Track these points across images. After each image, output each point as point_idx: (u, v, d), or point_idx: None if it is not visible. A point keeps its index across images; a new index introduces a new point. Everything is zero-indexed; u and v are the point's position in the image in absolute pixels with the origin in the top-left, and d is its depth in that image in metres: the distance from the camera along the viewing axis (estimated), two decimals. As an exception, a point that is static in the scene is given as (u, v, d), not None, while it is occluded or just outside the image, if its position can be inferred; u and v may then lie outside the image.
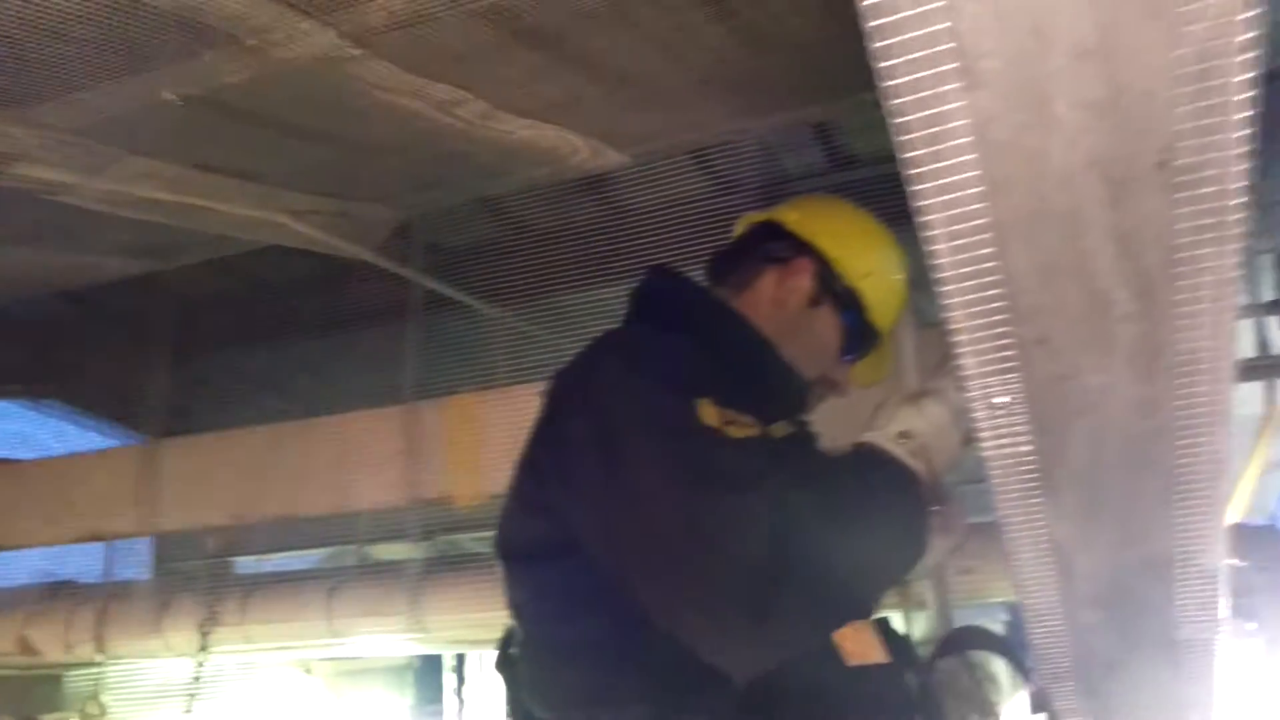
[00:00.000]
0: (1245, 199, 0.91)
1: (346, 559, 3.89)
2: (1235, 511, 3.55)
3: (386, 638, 3.12)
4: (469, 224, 3.66)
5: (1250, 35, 0.77)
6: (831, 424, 1.67)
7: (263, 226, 2.96)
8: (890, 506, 1.32)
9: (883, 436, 1.35)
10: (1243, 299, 3.77)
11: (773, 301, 1.61)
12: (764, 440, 1.38)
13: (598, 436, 1.33)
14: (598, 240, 3.59)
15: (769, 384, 1.55)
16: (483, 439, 2.88)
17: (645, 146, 2.92)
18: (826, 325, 1.63)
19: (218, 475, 3.58)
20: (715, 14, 2.17)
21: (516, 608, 1.50)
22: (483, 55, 2.19)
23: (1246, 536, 2.16)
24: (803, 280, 1.62)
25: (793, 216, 1.69)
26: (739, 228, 1.76)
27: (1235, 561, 2.30)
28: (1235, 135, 0.84)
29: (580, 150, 2.84)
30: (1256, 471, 3.38)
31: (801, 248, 1.64)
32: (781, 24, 2.16)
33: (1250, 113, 0.83)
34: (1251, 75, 0.81)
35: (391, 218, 3.23)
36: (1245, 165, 0.87)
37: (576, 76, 2.43)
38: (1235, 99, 0.81)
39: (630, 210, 3.65)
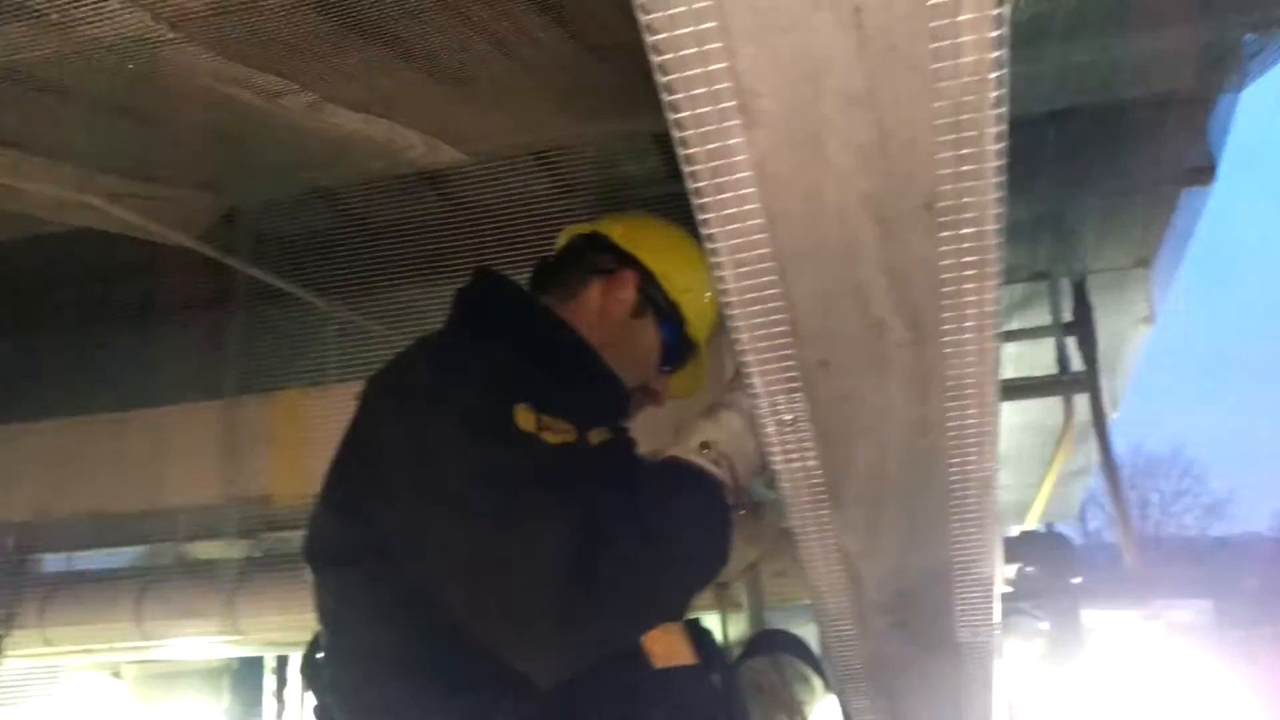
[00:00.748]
0: (1001, 239, 0.98)
1: (164, 557, 3.71)
2: (1034, 517, 3.81)
3: (201, 640, 3.00)
4: (302, 214, 3.54)
5: (1000, 92, 0.84)
6: (650, 438, 1.71)
7: (75, 209, 2.79)
8: (695, 512, 1.36)
9: (684, 449, 1.39)
10: (1045, 320, 4.04)
11: (598, 311, 1.64)
12: (580, 447, 1.40)
13: (410, 440, 1.32)
14: (437, 236, 3.55)
15: (591, 388, 1.58)
16: (307, 437, 2.80)
17: (483, 145, 2.89)
18: (647, 337, 1.68)
19: (19, 468, 3.36)
20: (551, 19, 2.17)
21: (323, 613, 1.48)
22: (311, 46, 2.13)
23: (1034, 543, 2.32)
24: (627, 292, 1.66)
25: (618, 230, 1.73)
26: (562, 239, 1.78)
27: (1025, 567, 2.47)
28: (991, 181, 0.90)
29: (416, 146, 2.79)
30: (1053, 479, 3.63)
31: (626, 260, 1.68)
32: (615, 34, 2.18)
33: (1002, 162, 0.90)
34: (1003, 128, 0.87)
35: (218, 205, 3.10)
36: (1001, 208, 0.94)
37: (411, 72, 2.39)
38: (990, 148, 0.87)
39: (471, 207, 3.61)
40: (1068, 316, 3.34)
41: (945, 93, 0.82)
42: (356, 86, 2.39)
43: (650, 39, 0.80)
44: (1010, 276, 4.20)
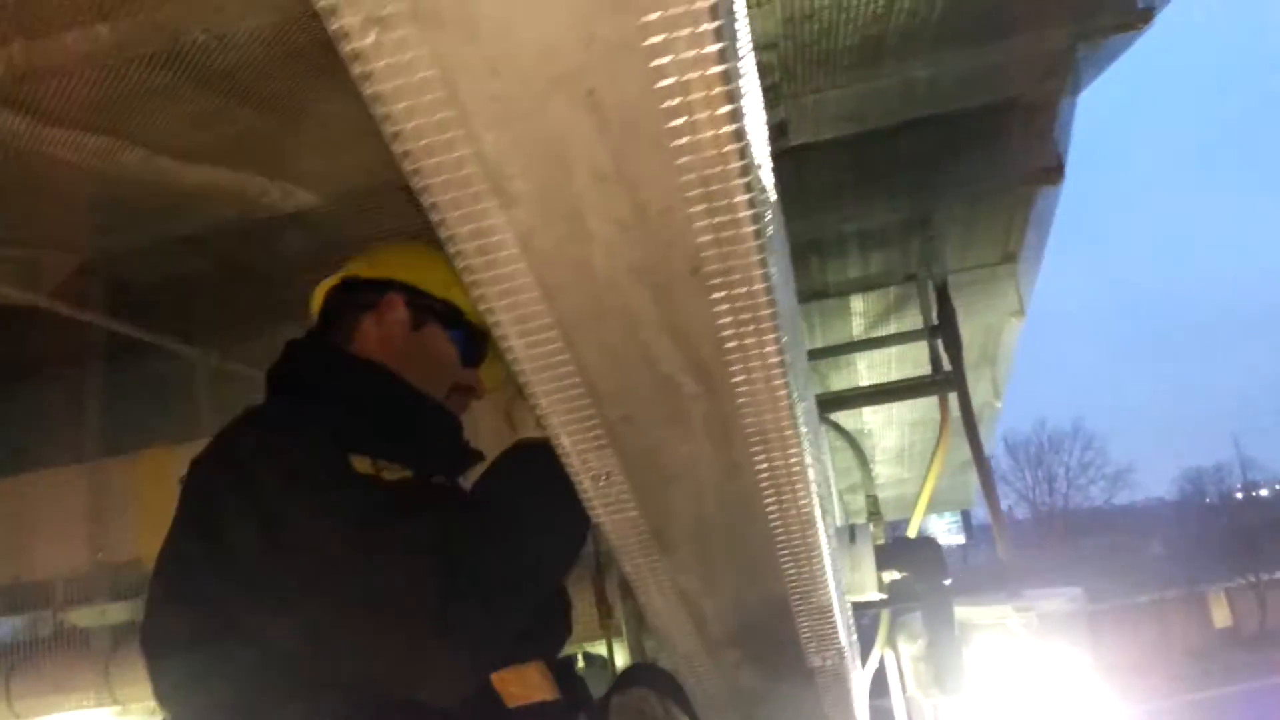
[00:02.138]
0: (775, 296, 1.01)
1: (41, 628, 3.57)
2: (920, 510, 3.90)
3: (79, 715, 2.88)
4: (164, 261, 3.44)
5: (744, 162, 0.86)
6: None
7: (-94, 274, 2.68)
8: (534, 483, 1.38)
9: (526, 430, 1.43)
10: (915, 324, 4.16)
11: (380, 341, 1.66)
12: (420, 481, 1.42)
13: (250, 508, 1.30)
14: (309, 274, 3.47)
15: (420, 423, 1.60)
16: (176, 495, 2.72)
17: (340, 185, 2.86)
18: (437, 342, 1.71)
19: None
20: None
21: (163, 701, 1.45)
22: (139, 101, 2.08)
23: (902, 549, 2.37)
24: (397, 311, 1.69)
25: (362, 265, 1.79)
26: (316, 299, 1.80)
27: (896, 574, 2.53)
28: (752, 244, 0.93)
29: (269, 191, 2.74)
30: (935, 476, 3.72)
31: (382, 286, 1.70)
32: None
33: (759, 226, 0.92)
34: (756, 193, 0.90)
35: (70, 260, 3.00)
36: (767, 269, 0.97)
37: (253, 118, 2.35)
38: (743, 214, 0.90)
39: (344, 244, 3.56)
40: (935, 320, 3.43)
41: (689, 166, 0.84)
42: (192, 138, 2.34)
43: (390, 130, 0.80)
44: (883, 280, 4.32)
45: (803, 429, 1.17)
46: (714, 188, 0.86)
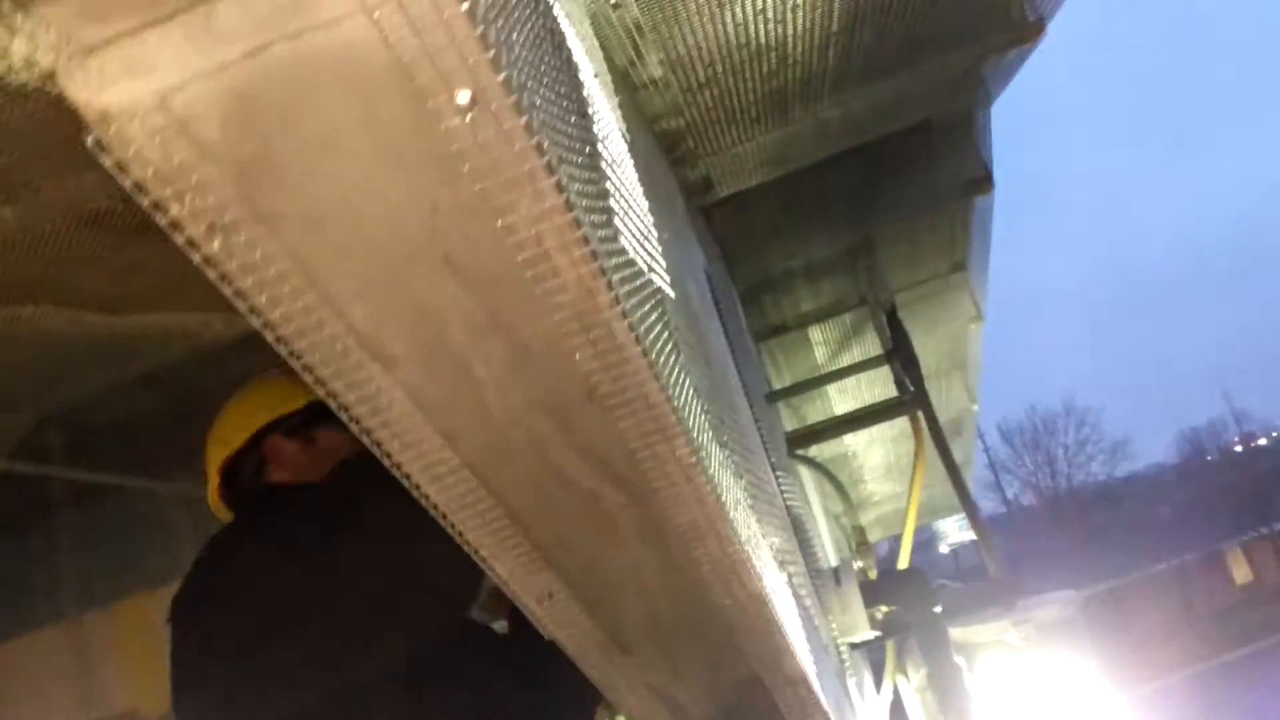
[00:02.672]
0: (677, 403, 1.02)
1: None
2: (910, 524, 3.89)
3: None
4: (119, 402, 3.44)
5: (614, 293, 0.87)
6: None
7: None
8: None
9: None
10: (875, 346, 4.18)
11: (293, 471, 1.88)
12: None
13: (316, 530, 1.56)
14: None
15: None
16: (161, 641, 2.69)
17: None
18: (330, 436, 1.90)
19: None
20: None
21: None
22: (59, 269, 2.09)
23: (890, 583, 2.37)
24: (283, 447, 1.88)
25: (223, 448, 1.96)
26: (214, 473, 1.91)
27: (886, 607, 2.53)
28: (640, 364, 0.94)
29: (212, 323, 2.75)
30: (918, 493, 3.73)
31: (256, 441, 1.89)
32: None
33: (644, 346, 0.93)
34: (631, 320, 0.91)
35: (22, 421, 2.99)
36: (663, 381, 0.98)
37: (180, 260, 2.35)
38: (624, 339, 0.91)
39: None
40: (888, 345, 3.45)
41: (560, 306, 0.85)
42: (126, 289, 2.35)
43: (258, 321, 0.81)
44: (837, 308, 4.35)
45: (734, 517, 1.18)
46: (589, 321, 0.87)
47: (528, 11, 0.84)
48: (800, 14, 1.94)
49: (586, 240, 0.82)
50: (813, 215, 3.47)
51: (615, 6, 1.60)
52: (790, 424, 4.57)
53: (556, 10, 1.06)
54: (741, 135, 2.54)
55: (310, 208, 0.74)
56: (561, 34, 1.03)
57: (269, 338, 0.83)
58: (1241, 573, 26.26)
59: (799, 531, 2.44)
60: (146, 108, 0.66)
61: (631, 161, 1.27)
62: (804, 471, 3.82)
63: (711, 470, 1.12)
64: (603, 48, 1.71)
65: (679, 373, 1.03)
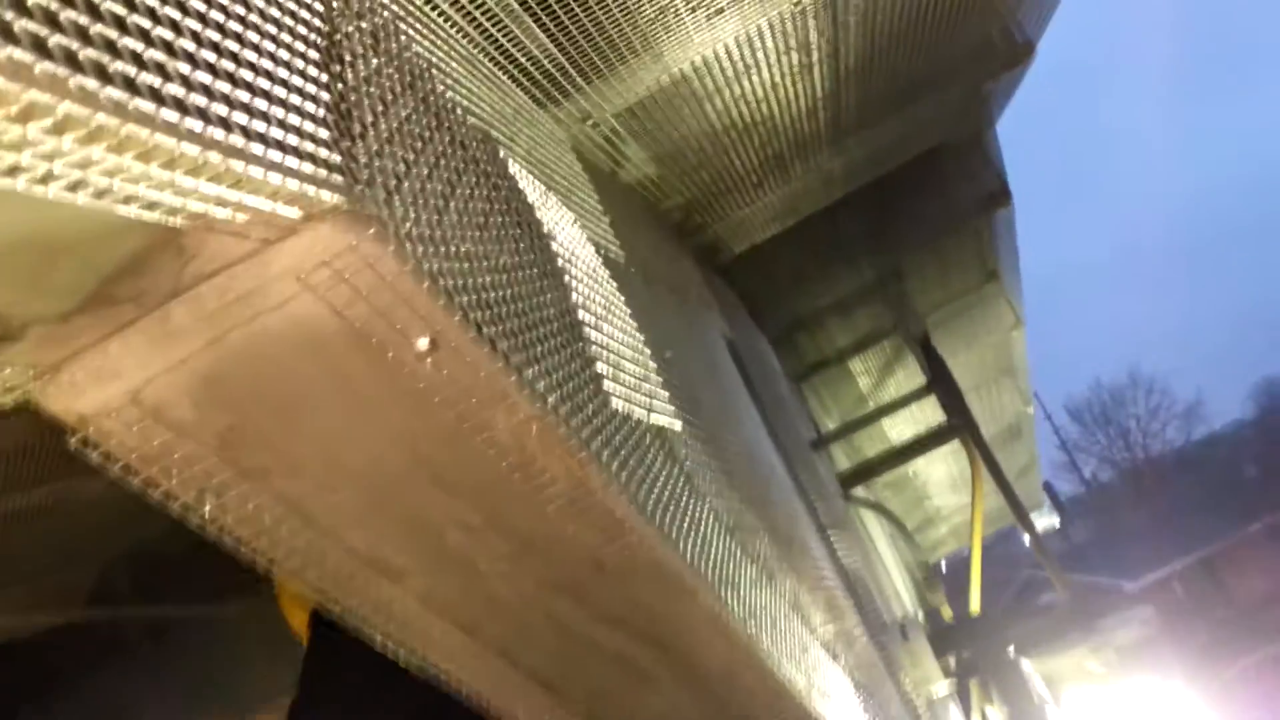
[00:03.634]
0: (690, 557, 1.02)
1: None
2: (978, 540, 3.82)
3: None
4: (180, 536, 3.50)
5: (605, 475, 0.88)
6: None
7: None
8: None
9: None
10: (916, 372, 4.14)
11: None
12: None
13: None
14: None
15: None
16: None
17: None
18: None
19: None
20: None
21: None
22: None
23: (961, 635, 2.34)
24: None
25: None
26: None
27: (960, 653, 2.49)
28: (649, 531, 0.94)
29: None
30: (980, 512, 3.67)
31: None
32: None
33: (647, 517, 0.94)
34: (631, 492, 0.92)
35: (90, 571, 3.07)
36: (674, 541, 0.98)
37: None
38: (625, 514, 0.91)
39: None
40: (923, 378, 3.41)
41: (554, 498, 0.86)
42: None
43: (262, 560, 0.83)
44: (875, 337, 4.32)
45: (767, 649, 1.17)
46: (585, 505, 0.88)
47: (481, 220, 0.86)
48: (781, 89, 1.95)
49: (570, 434, 0.83)
50: (832, 256, 3.46)
51: (594, 125, 1.62)
52: (845, 458, 4.53)
53: (521, 185, 1.08)
54: (745, 200, 2.54)
55: (294, 458, 0.76)
56: (528, 209, 1.05)
57: (279, 572, 0.84)
58: (1342, 522, 25.32)
59: (858, 591, 2.42)
60: (119, 405, 0.68)
61: (622, 298, 1.28)
62: (864, 510, 3.78)
63: (737, 610, 1.12)
64: (590, 162, 1.73)
65: (693, 511, 1.03)
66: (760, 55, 1.71)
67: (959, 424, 3.41)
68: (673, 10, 1.38)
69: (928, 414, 4.69)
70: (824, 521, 2.49)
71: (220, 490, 0.76)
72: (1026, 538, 4.20)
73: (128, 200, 0.51)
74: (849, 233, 3.38)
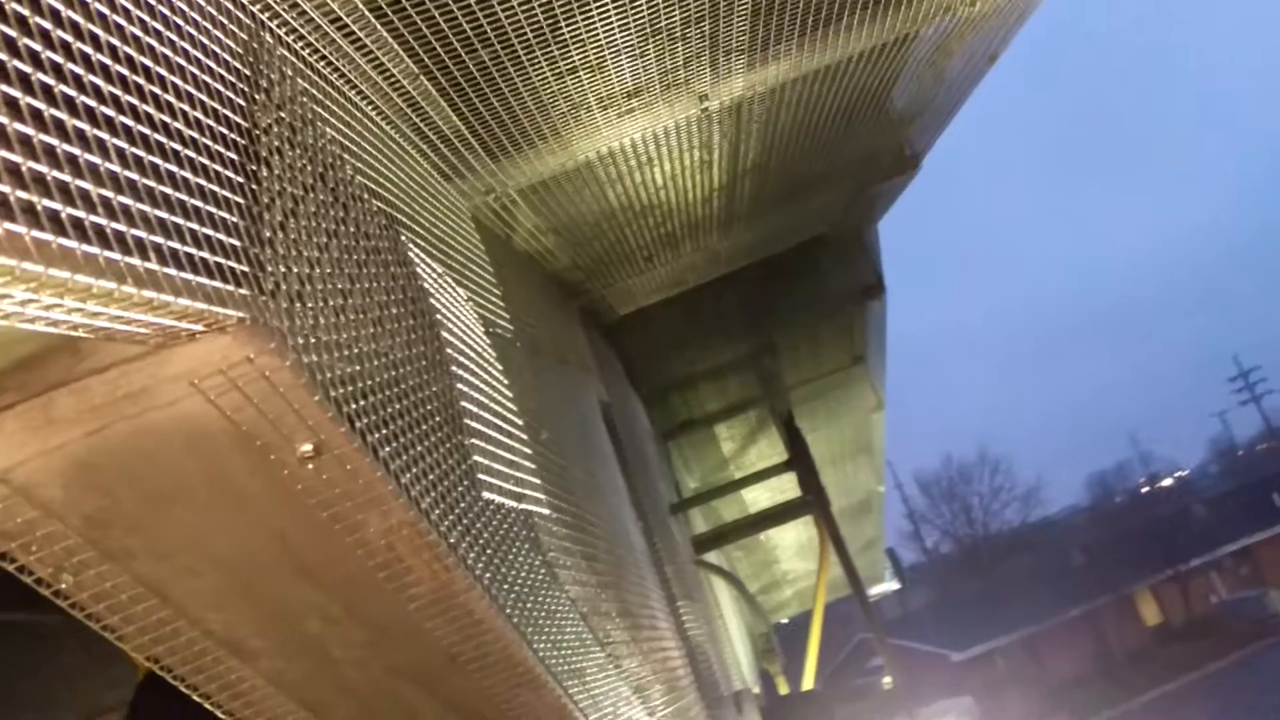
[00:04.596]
0: (543, 655, 1.05)
1: None
2: (820, 606, 3.94)
3: None
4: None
5: (468, 580, 0.91)
6: None
7: None
8: None
9: None
10: (779, 446, 4.27)
11: None
12: None
13: None
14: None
15: None
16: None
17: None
18: None
19: None
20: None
21: None
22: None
23: (789, 710, 2.41)
24: None
25: None
26: None
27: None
28: (503, 629, 0.97)
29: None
30: (824, 587, 3.80)
31: None
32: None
33: (505, 617, 0.97)
34: (493, 590, 0.94)
35: None
36: (529, 640, 1.01)
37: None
38: (483, 615, 0.94)
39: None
40: (785, 453, 3.53)
41: (416, 596, 0.88)
42: None
43: (113, 635, 0.82)
44: (742, 406, 4.44)
45: (609, 737, 1.21)
46: (446, 605, 0.90)
47: (377, 314, 0.88)
48: (681, 180, 2.02)
49: (439, 540, 0.85)
50: (712, 326, 3.56)
51: (495, 198, 1.65)
52: (702, 520, 4.62)
53: (419, 269, 1.11)
54: (635, 270, 2.61)
55: (160, 543, 0.76)
56: (422, 295, 1.07)
57: (127, 649, 0.84)
58: (1151, 613, 27.03)
59: (699, 666, 2.48)
60: (-13, 483, 0.68)
61: (505, 381, 1.31)
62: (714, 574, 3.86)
63: (582, 699, 1.15)
64: (488, 229, 1.76)
65: (550, 603, 1.07)
66: (664, 150, 1.78)
67: (812, 500, 3.53)
68: (585, 106, 1.43)
69: (785, 483, 4.83)
70: (675, 591, 2.55)
71: (79, 569, 0.76)
72: (861, 611, 4.37)
73: (34, 321, 0.52)
74: (730, 306, 3.49)
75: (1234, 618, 24.52)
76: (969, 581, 32.99)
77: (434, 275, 1.18)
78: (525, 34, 1.18)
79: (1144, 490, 40.25)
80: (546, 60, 1.27)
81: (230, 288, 0.65)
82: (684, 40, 1.35)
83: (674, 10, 1.26)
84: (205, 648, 0.87)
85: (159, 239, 0.58)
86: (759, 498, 5.02)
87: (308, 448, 0.73)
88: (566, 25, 1.20)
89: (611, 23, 1.23)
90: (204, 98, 0.73)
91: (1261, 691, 18.54)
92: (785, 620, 9.54)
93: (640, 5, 1.22)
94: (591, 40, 1.26)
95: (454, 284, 1.25)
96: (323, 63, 1.07)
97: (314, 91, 0.99)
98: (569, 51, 1.27)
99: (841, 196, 3.00)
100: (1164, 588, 28.49)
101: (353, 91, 1.15)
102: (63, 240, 0.49)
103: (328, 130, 0.99)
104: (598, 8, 1.19)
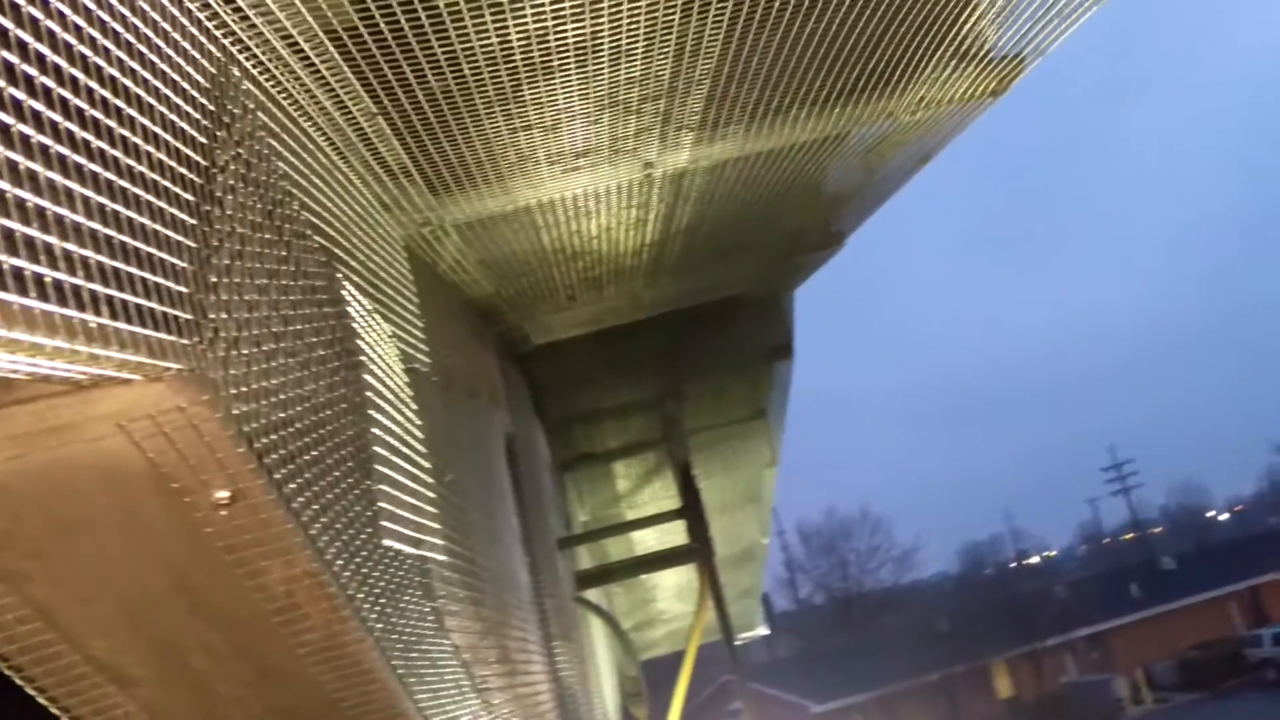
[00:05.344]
0: (427, 707, 1.06)
1: None
2: (693, 650, 3.99)
3: None
4: None
5: (361, 629, 0.92)
6: None
7: None
8: None
9: None
10: (672, 491, 4.33)
11: None
12: None
13: None
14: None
15: None
16: None
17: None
18: None
19: None
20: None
21: None
22: None
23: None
24: None
25: None
26: None
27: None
28: (389, 681, 0.98)
29: None
30: (698, 636, 3.85)
31: None
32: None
33: (390, 668, 0.98)
34: (382, 642, 0.95)
35: None
36: (409, 691, 1.02)
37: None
38: (371, 665, 0.95)
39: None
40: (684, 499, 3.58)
41: (307, 643, 0.89)
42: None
43: (4, 668, 0.81)
44: (641, 448, 4.49)
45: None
46: (336, 654, 0.91)
47: (306, 355, 0.89)
48: (615, 233, 2.06)
49: (338, 591, 0.86)
50: (624, 365, 3.60)
51: (430, 230, 1.66)
52: (588, 555, 4.64)
53: (350, 307, 1.12)
54: (556, 307, 2.63)
55: (58, 570, 0.76)
56: (350, 335, 1.08)
57: (3, 668, 0.83)
58: (1004, 686, 27.93)
59: (566, 707, 2.49)
60: (-111, 497, 0.67)
61: (419, 421, 1.32)
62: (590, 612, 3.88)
63: (454, 750, 1.16)
64: (417, 256, 1.76)
65: (435, 652, 1.08)
66: (603, 206, 1.81)
67: (698, 549, 3.59)
68: (534, 160, 1.46)
69: (674, 527, 4.88)
70: (553, 630, 2.56)
71: (-31, 586, 0.75)
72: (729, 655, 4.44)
73: (-21, 367, 0.53)
74: (645, 348, 3.54)
75: (1081, 699, 25.50)
76: (837, 635, 33.63)
77: (363, 312, 1.19)
78: (487, 91, 1.20)
79: (1012, 565, 41.70)
80: (504, 116, 1.29)
81: (172, 338, 0.66)
82: (638, 114, 1.40)
83: (634, 87, 1.30)
84: (84, 672, 0.86)
85: (108, 290, 0.59)
86: (646, 538, 5.06)
87: (224, 494, 0.74)
88: (529, 87, 1.23)
89: (572, 90, 1.26)
90: (168, 137, 0.73)
91: (1096, 773, 19.26)
92: (655, 656, 9.58)
93: (603, 77, 1.25)
94: (550, 103, 1.29)
95: (380, 320, 1.26)
96: (283, 94, 1.08)
97: (272, 125, 0.99)
98: (526, 111, 1.30)
99: (766, 263, 3.07)
100: (1019, 662, 29.48)
101: (308, 123, 1.15)
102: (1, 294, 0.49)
103: (280, 165, 1.00)
104: (561, 76, 1.22)
